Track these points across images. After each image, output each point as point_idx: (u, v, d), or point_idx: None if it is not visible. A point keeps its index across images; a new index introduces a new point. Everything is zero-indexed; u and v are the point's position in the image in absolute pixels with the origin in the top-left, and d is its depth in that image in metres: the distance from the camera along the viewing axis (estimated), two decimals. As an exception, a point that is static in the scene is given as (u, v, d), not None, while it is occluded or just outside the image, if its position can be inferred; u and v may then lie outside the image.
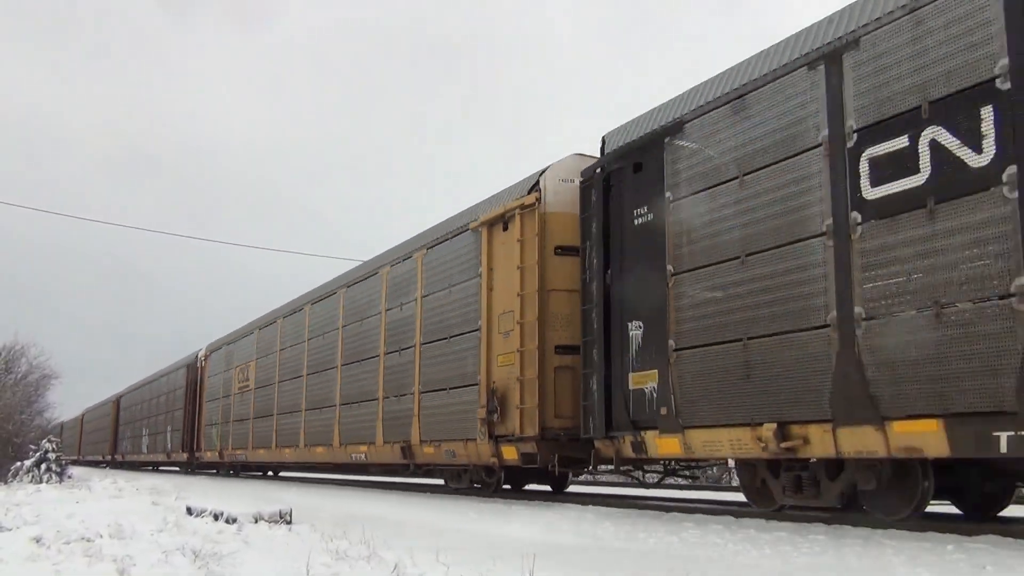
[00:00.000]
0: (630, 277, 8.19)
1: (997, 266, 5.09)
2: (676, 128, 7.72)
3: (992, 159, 5.19)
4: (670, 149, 7.76)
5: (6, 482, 18.73)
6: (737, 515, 7.49)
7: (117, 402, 38.60)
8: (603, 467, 9.26)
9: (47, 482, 18.24)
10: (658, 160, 7.90)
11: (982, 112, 5.28)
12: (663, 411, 7.54)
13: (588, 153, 9.73)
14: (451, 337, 11.24)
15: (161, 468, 31.39)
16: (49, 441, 20.38)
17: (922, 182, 5.57)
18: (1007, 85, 5.13)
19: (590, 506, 9.24)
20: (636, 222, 8.18)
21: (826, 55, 6.37)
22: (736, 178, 6.98)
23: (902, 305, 5.62)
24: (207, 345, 25.04)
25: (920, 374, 5.47)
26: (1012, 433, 4.96)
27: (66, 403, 78.44)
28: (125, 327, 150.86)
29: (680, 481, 10.79)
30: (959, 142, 5.39)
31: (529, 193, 10.00)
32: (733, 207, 6.99)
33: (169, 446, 27.00)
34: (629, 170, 8.37)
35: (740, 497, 9.41)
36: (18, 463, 20.29)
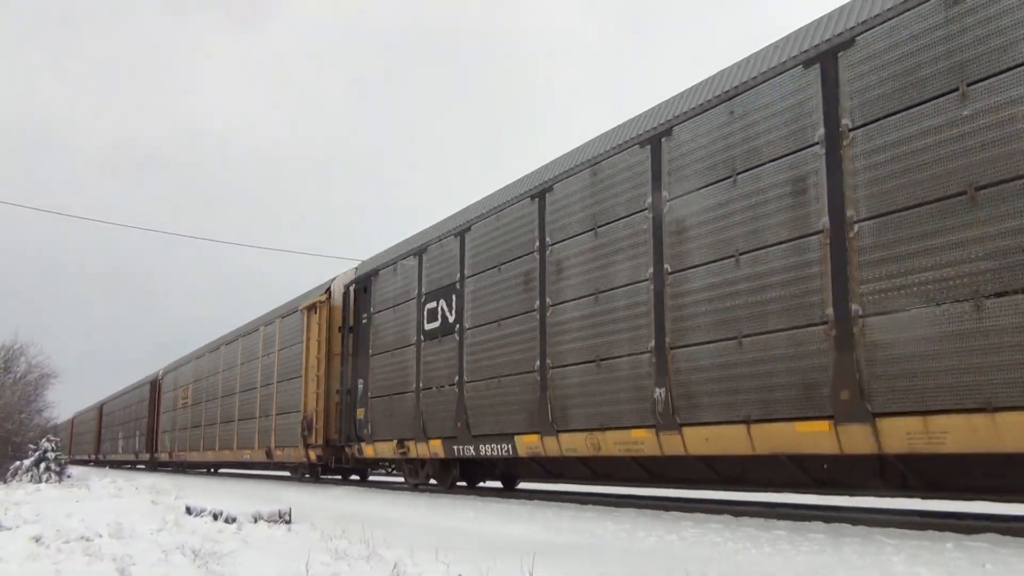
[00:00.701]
0: (360, 353, 14.22)
1: (451, 369, 11.15)
2: (375, 273, 13.98)
3: (455, 319, 11.19)
4: (374, 282, 13.96)
5: (5, 481, 18.69)
6: (736, 514, 7.50)
7: (100, 408, 44.78)
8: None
9: (46, 481, 18.21)
10: (370, 288, 14.09)
11: (452, 297, 11.29)
12: (366, 431, 13.66)
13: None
14: (290, 379, 17.52)
15: (136, 467, 36.33)
16: (48, 440, 20.31)
17: (437, 325, 11.66)
18: (459, 287, 11.14)
19: (589, 505, 9.27)
20: (363, 322, 14.23)
21: (415, 250, 12.62)
22: (393, 306, 13.15)
23: (432, 384, 11.67)
24: (163, 367, 31.20)
25: (434, 417, 11.53)
26: (459, 446, 10.90)
27: (65, 402, 78.55)
28: (125, 326, 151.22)
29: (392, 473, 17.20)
30: (448, 309, 11.41)
31: (323, 294, 16.44)
32: (392, 322, 13.15)
33: (137, 448, 33.62)
34: (363, 289, 14.40)
35: (738, 496, 9.46)
36: (17, 462, 20.23)
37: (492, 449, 10.29)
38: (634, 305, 8.03)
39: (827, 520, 6.71)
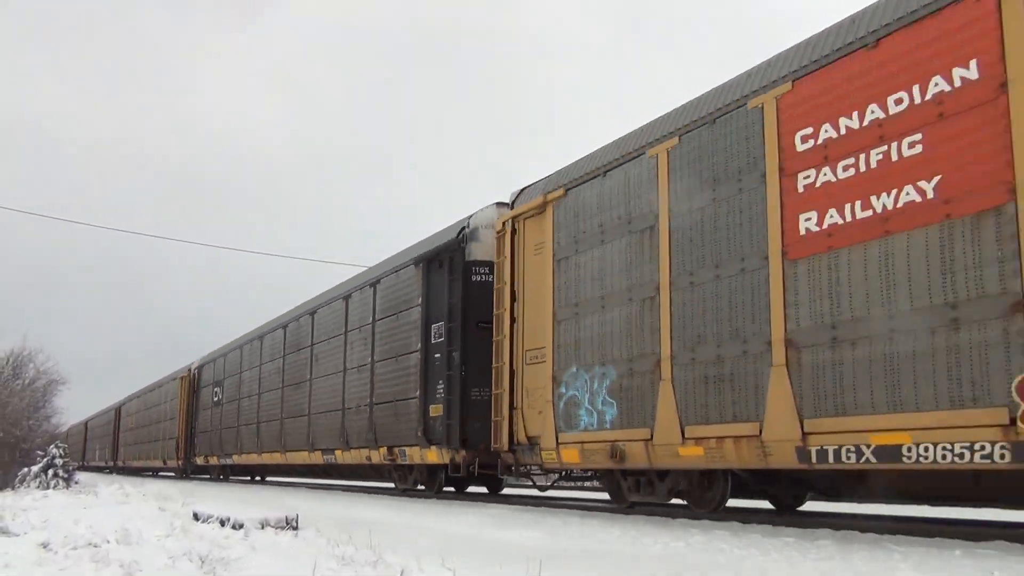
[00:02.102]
0: (198, 407, 26.83)
1: (218, 422, 24.21)
2: (202, 366, 26.65)
3: (224, 397, 23.91)
4: (201, 371, 26.63)
5: (13, 487, 18.77)
6: (744, 521, 7.47)
7: (86, 424, 56.42)
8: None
9: (54, 487, 18.26)
10: (201, 373, 26.63)
11: (224, 386, 24.07)
12: (198, 449, 25.91)
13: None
14: (172, 419, 28.69)
15: (106, 471, 45.29)
16: (56, 447, 20.39)
17: (218, 399, 24.33)
18: (223, 382, 24.04)
19: (595, 512, 9.25)
20: (200, 391, 26.72)
21: (213, 359, 25.91)
22: (205, 386, 25.83)
23: (215, 428, 24.31)
24: (123, 399, 42.63)
25: (213, 444, 24.55)
26: (223, 459, 23.68)
27: (73, 408, 78.86)
28: (133, 332, 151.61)
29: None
30: (220, 392, 24.32)
31: (187, 372, 27.74)
32: (206, 394, 25.72)
33: (107, 457, 45.71)
34: (200, 373, 26.69)
35: (747, 504, 9.42)
36: (25, 468, 20.31)
37: (227, 460, 22.76)
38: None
39: (835, 527, 6.68)
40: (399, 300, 13.01)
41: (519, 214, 10.19)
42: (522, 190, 10.55)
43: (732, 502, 8.44)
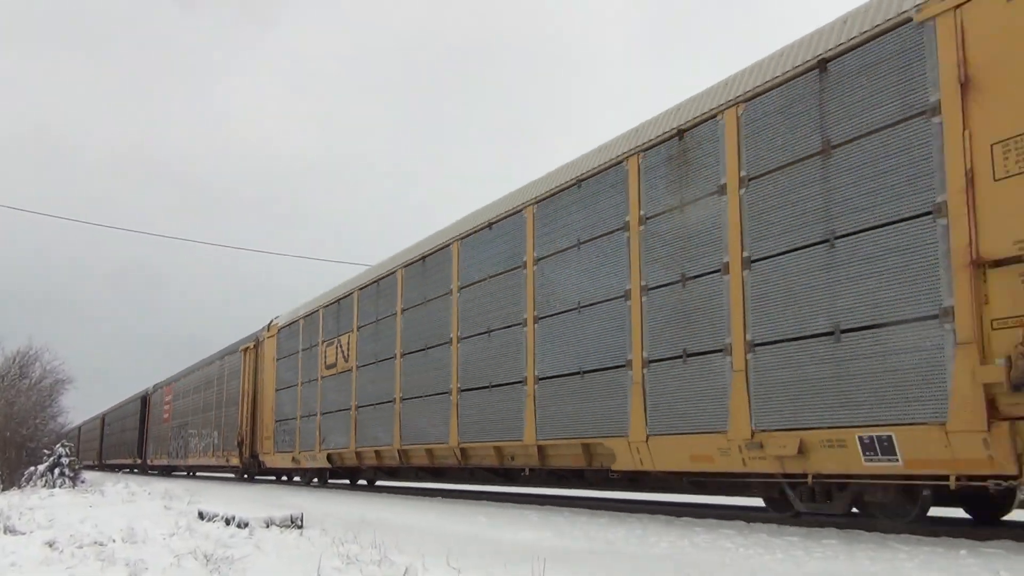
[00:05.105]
0: (105, 428, 54.22)
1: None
2: (108, 412, 50.77)
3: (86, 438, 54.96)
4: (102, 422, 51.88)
5: (20, 486, 18.84)
6: (749, 520, 7.47)
7: (79, 429, 68.15)
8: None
9: (60, 486, 18.34)
10: (105, 423, 50.98)
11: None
12: (105, 456, 51.97)
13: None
14: (95, 439, 55.51)
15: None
16: (63, 446, 20.47)
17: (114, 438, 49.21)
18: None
19: (601, 511, 9.25)
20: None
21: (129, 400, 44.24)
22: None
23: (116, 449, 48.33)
24: (82, 422, 59.79)
25: (117, 451, 47.67)
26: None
27: (80, 407, 79.66)
28: (139, 331, 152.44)
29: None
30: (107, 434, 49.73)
31: (102, 416, 54.79)
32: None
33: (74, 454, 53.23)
34: (99, 425, 53.43)
35: (751, 502, 9.40)
36: (32, 467, 20.39)
37: (111, 461, 45.99)
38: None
39: (841, 527, 6.66)
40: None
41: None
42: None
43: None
